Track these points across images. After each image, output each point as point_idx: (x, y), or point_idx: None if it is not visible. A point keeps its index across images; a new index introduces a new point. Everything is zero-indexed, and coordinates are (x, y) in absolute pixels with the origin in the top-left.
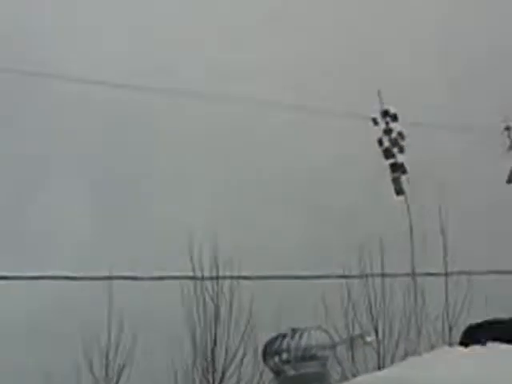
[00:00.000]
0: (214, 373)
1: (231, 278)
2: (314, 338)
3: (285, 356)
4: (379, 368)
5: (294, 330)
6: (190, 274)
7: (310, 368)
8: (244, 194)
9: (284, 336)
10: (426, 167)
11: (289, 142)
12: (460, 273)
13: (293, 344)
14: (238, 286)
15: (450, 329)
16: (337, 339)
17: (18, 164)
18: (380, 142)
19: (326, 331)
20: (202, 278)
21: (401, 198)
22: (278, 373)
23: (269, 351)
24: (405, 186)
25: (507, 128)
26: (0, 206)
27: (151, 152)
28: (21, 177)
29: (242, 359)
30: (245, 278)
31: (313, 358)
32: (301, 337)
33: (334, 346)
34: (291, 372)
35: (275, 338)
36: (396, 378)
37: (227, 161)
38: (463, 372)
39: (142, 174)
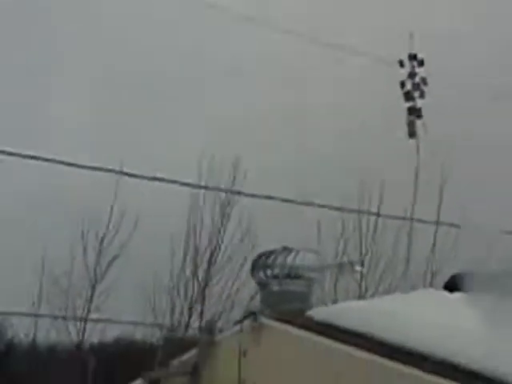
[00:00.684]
0: (200, 277)
1: (230, 192)
2: (304, 258)
3: (272, 271)
4: (360, 300)
5: (285, 248)
6: (197, 182)
7: (296, 286)
8: (257, 118)
9: (274, 252)
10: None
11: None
12: (451, 225)
13: (282, 261)
14: (235, 201)
15: (433, 275)
16: (326, 263)
17: None
18: (402, 85)
19: (317, 253)
20: (206, 188)
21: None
22: (263, 286)
23: (257, 265)
24: (419, 131)
25: None
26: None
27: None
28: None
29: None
30: (242, 194)
31: (300, 277)
32: (291, 255)
33: (322, 269)
34: (276, 287)
35: (266, 253)
36: (383, 311)
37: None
38: (448, 315)
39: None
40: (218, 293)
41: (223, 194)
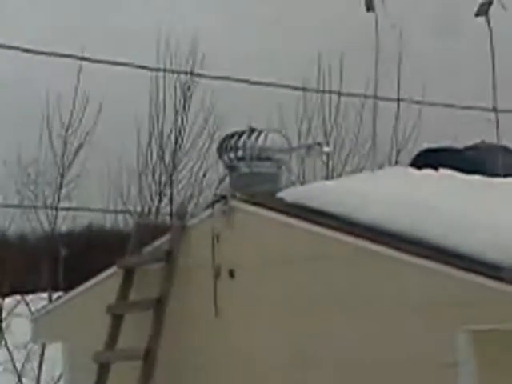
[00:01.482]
0: (169, 160)
1: (191, 74)
2: (271, 140)
3: (240, 153)
4: (327, 180)
5: (252, 130)
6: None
7: (265, 168)
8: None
9: (241, 134)
10: None
11: None
12: (411, 101)
13: (250, 142)
14: (196, 82)
15: (398, 152)
16: (294, 144)
17: None
18: None
19: (284, 135)
20: (165, 70)
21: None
22: (232, 169)
23: (225, 147)
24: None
25: None
26: None
27: None
28: None
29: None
30: (203, 76)
31: (269, 158)
32: (258, 137)
33: (291, 151)
34: (245, 169)
35: (232, 135)
36: (352, 190)
37: None
38: (410, 190)
39: None
40: (186, 176)
41: (183, 76)
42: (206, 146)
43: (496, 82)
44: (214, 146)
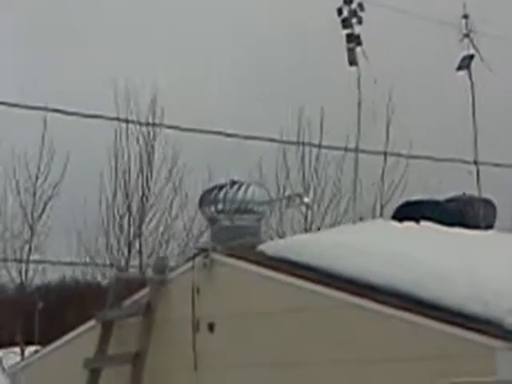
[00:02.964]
0: (136, 214)
1: (163, 126)
2: (252, 192)
3: (221, 206)
4: (306, 232)
5: (233, 182)
6: (127, 117)
7: (245, 221)
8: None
9: (222, 187)
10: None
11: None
12: (399, 155)
13: (230, 195)
14: (170, 136)
15: (382, 207)
16: (275, 196)
17: None
18: (339, 12)
19: (264, 187)
20: (138, 123)
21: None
22: (212, 221)
23: (206, 200)
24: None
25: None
26: None
27: None
28: None
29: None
30: (177, 128)
31: (249, 211)
32: (239, 189)
33: (270, 203)
34: (226, 222)
35: (214, 188)
36: (334, 242)
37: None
38: (392, 242)
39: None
40: (152, 228)
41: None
42: (171, 196)
43: (477, 136)
44: (179, 197)
